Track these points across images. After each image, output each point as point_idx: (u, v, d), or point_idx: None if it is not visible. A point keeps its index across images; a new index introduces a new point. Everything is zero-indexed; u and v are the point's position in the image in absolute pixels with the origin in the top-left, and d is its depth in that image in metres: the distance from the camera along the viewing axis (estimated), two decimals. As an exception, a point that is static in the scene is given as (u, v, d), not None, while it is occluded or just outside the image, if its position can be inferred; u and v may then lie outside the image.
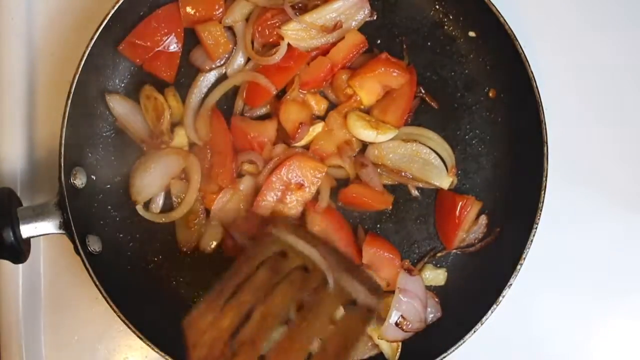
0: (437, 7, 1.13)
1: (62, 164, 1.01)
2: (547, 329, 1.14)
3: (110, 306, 1.01)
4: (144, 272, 1.11)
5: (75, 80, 1.02)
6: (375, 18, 1.13)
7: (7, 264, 1.04)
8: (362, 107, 1.11)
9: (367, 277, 0.95)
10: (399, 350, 1.07)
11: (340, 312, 0.92)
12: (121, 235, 1.10)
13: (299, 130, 1.08)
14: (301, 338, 0.86)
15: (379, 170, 1.10)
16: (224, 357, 0.84)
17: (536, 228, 1.03)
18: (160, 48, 1.10)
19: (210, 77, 1.12)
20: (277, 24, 1.10)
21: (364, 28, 1.12)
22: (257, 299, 0.88)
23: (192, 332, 0.87)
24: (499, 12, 1.05)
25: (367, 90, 1.09)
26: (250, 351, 0.85)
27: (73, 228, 1.00)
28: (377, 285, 0.95)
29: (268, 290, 0.89)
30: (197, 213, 1.10)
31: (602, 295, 1.14)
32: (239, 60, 1.12)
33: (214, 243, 1.10)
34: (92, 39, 1.03)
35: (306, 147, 1.10)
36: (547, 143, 1.05)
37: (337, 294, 0.90)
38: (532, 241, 1.04)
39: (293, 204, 1.09)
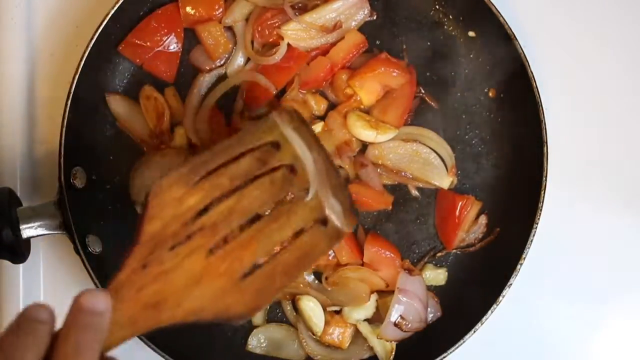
0: (437, 7, 1.13)
1: (62, 164, 1.01)
2: (547, 329, 1.14)
3: (110, 306, 1.01)
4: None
5: (75, 80, 1.02)
6: (375, 18, 1.12)
7: (7, 264, 1.04)
8: (362, 107, 1.11)
9: (348, 200, 0.87)
10: (393, 352, 1.07)
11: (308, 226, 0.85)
12: (121, 236, 1.10)
13: (299, 130, 1.08)
14: (261, 241, 0.80)
15: (378, 170, 1.10)
16: (176, 237, 0.77)
17: (536, 228, 1.03)
18: (160, 48, 1.09)
19: (210, 77, 1.12)
20: (277, 24, 1.10)
21: (363, 28, 1.12)
22: (233, 187, 0.81)
23: (155, 204, 0.78)
24: (499, 12, 1.05)
25: (367, 90, 1.09)
26: (206, 238, 0.78)
27: (73, 228, 1.00)
28: (354, 212, 0.87)
29: (247, 181, 0.82)
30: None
31: (602, 295, 1.14)
32: (239, 60, 1.12)
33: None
34: (92, 39, 1.03)
35: (306, 147, 1.10)
36: (547, 143, 1.05)
37: (312, 207, 0.83)
38: (532, 241, 1.04)
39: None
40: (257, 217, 0.82)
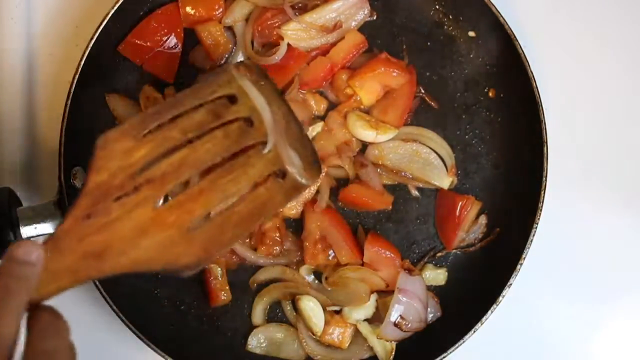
0: (437, 7, 1.13)
1: (62, 164, 1.01)
2: (547, 329, 1.14)
3: (111, 306, 1.01)
4: (143, 273, 1.10)
5: (75, 80, 1.02)
6: (375, 18, 1.13)
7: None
8: (362, 107, 1.11)
9: (311, 154, 0.86)
10: (393, 352, 1.07)
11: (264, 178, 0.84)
12: (121, 235, 1.10)
13: (299, 130, 1.08)
14: (213, 193, 0.80)
15: (378, 170, 1.10)
16: (122, 189, 0.76)
17: (536, 228, 1.03)
18: (160, 48, 1.09)
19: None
20: (277, 24, 1.10)
21: (363, 28, 1.12)
22: (184, 140, 0.80)
23: (103, 154, 0.77)
24: (499, 12, 1.05)
25: (367, 90, 1.09)
26: (154, 191, 0.77)
27: (73, 228, 1.00)
28: (317, 166, 0.86)
29: (200, 134, 0.81)
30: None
31: (602, 295, 1.14)
32: (239, 60, 1.12)
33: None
34: (92, 39, 1.03)
35: (306, 147, 1.10)
36: (547, 143, 1.05)
37: (270, 160, 0.82)
38: (532, 241, 1.04)
39: (292, 204, 1.09)
40: (210, 170, 0.81)
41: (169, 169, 0.79)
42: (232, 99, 0.84)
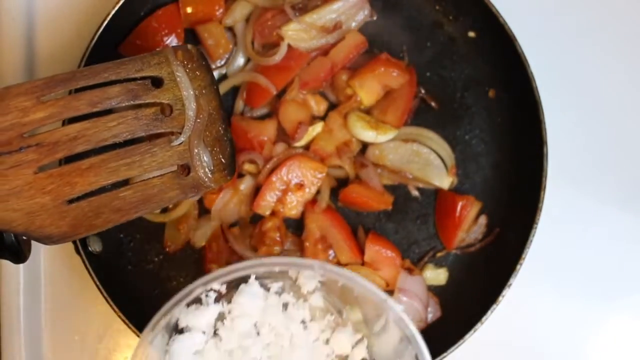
0: (437, 7, 1.13)
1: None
2: (547, 329, 1.14)
3: (111, 306, 1.01)
4: (144, 272, 1.11)
5: (76, 81, 1.02)
6: (375, 18, 1.13)
7: (7, 263, 1.04)
8: (362, 107, 1.11)
9: (227, 158, 0.84)
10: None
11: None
12: (121, 235, 1.11)
13: (298, 130, 1.08)
14: (102, 173, 0.77)
15: (379, 170, 1.10)
16: (9, 146, 0.74)
17: (536, 228, 1.04)
18: (160, 48, 1.09)
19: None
20: (277, 25, 1.10)
21: (364, 28, 1.12)
22: (89, 112, 0.77)
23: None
24: (499, 13, 1.05)
25: (367, 90, 1.09)
26: (39, 155, 0.74)
27: (73, 228, 1.00)
28: (229, 171, 0.83)
29: (109, 110, 0.77)
30: (188, 216, 1.09)
31: (602, 295, 1.14)
32: (239, 60, 1.12)
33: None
34: (92, 39, 1.03)
35: (306, 148, 1.10)
36: (547, 143, 1.05)
37: (178, 153, 0.80)
38: (532, 241, 1.04)
39: (293, 204, 1.09)
40: (107, 148, 0.78)
41: (63, 138, 0.76)
42: (156, 82, 0.81)
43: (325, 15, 1.10)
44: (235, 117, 1.10)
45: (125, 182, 0.82)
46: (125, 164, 0.78)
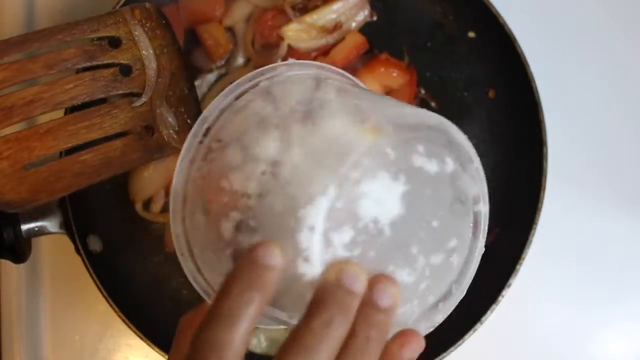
0: (437, 7, 1.13)
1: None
2: (547, 329, 1.14)
3: (111, 306, 1.01)
4: (144, 272, 1.11)
5: (76, 81, 1.02)
6: (375, 19, 1.13)
7: (7, 263, 1.04)
8: (362, 106, 1.11)
9: (192, 116, 0.81)
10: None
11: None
12: (121, 235, 1.11)
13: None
14: (60, 136, 0.75)
15: (379, 170, 1.10)
16: None
17: (536, 228, 1.03)
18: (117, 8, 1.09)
19: (211, 77, 1.12)
20: (278, 25, 1.10)
21: (364, 29, 1.12)
22: (44, 74, 0.75)
23: None
24: (499, 13, 1.05)
25: (367, 90, 1.10)
26: None
27: (73, 228, 1.00)
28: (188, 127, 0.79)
29: (65, 71, 0.76)
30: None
31: (602, 296, 1.14)
32: (240, 60, 1.12)
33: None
34: (92, 39, 1.03)
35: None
36: (547, 143, 1.05)
37: (139, 114, 0.78)
38: (532, 241, 1.04)
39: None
40: (65, 111, 0.77)
41: (19, 101, 0.74)
42: (113, 42, 0.79)
43: (325, 16, 1.10)
44: (236, 117, 1.10)
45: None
46: (85, 127, 0.76)
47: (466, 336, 1.03)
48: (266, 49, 1.12)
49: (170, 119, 0.80)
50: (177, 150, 0.82)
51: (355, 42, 1.11)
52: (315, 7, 1.10)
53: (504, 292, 1.03)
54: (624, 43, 1.16)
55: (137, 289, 1.09)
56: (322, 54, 1.11)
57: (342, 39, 1.11)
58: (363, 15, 1.11)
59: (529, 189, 1.06)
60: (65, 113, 0.79)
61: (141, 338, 1.01)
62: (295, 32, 1.10)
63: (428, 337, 1.07)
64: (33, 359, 1.11)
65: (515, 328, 1.12)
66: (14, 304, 1.09)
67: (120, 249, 1.10)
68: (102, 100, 0.80)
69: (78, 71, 0.80)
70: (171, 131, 0.80)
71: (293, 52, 1.09)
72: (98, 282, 1.01)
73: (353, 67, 1.11)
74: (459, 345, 1.03)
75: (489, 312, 1.03)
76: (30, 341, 1.10)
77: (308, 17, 1.09)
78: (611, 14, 1.16)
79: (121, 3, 1.02)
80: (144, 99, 0.79)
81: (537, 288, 1.12)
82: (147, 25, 0.81)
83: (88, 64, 0.78)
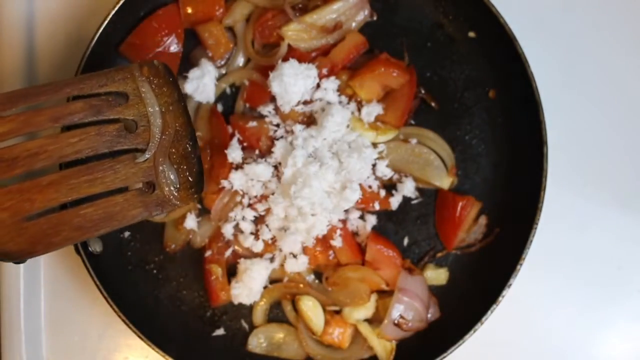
0: (437, 7, 1.13)
1: (63, 165, 1.01)
2: (547, 329, 1.14)
3: (111, 306, 1.01)
4: (144, 272, 1.11)
5: (76, 81, 1.02)
6: (375, 19, 1.13)
7: (7, 264, 1.04)
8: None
9: (194, 176, 0.81)
10: (394, 352, 1.07)
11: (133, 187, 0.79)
12: (121, 235, 1.11)
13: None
14: (62, 189, 0.75)
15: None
16: None
17: (536, 228, 1.03)
18: (160, 49, 1.09)
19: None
20: (278, 25, 1.10)
21: (364, 28, 1.12)
22: (50, 127, 0.75)
23: None
24: (499, 13, 1.05)
25: (367, 90, 1.09)
26: None
27: (73, 228, 1.00)
28: (194, 189, 0.81)
29: (71, 126, 0.75)
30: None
31: (602, 295, 1.14)
32: (240, 60, 1.12)
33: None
34: (92, 39, 1.03)
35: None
36: (547, 143, 1.05)
37: (142, 170, 0.78)
38: (532, 241, 1.04)
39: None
40: (69, 164, 0.77)
41: (23, 153, 0.74)
42: (121, 97, 0.80)
43: (325, 16, 1.10)
44: (235, 117, 1.10)
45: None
46: (87, 181, 0.76)
47: (466, 336, 1.03)
48: (266, 49, 1.12)
49: (172, 176, 0.80)
50: (177, 207, 0.84)
51: (355, 42, 1.11)
52: (316, 7, 1.10)
53: (504, 292, 1.03)
54: (623, 43, 1.16)
55: (137, 289, 1.09)
56: (322, 53, 1.11)
57: (342, 38, 1.11)
58: (363, 15, 1.11)
59: (529, 189, 1.06)
60: (68, 165, 0.79)
61: (141, 338, 1.01)
62: (296, 32, 1.10)
63: (428, 337, 1.08)
64: (33, 359, 1.11)
65: (515, 328, 1.12)
66: (14, 304, 1.09)
67: (120, 249, 1.11)
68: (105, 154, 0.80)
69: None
70: (172, 188, 0.80)
71: (293, 52, 1.09)
72: (98, 282, 1.01)
73: (353, 67, 1.11)
74: (459, 345, 1.03)
75: (489, 312, 1.03)
76: (30, 341, 1.10)
77: (308, 16, 1.09)
78: (611, 14, 1.16)
79: (119, 4, 1.03)
80: (147, 156, 0.79)
81: (537, 288, 1.12)
82: (155, 82, 0.82)
83: (94, 119, 0.78)
